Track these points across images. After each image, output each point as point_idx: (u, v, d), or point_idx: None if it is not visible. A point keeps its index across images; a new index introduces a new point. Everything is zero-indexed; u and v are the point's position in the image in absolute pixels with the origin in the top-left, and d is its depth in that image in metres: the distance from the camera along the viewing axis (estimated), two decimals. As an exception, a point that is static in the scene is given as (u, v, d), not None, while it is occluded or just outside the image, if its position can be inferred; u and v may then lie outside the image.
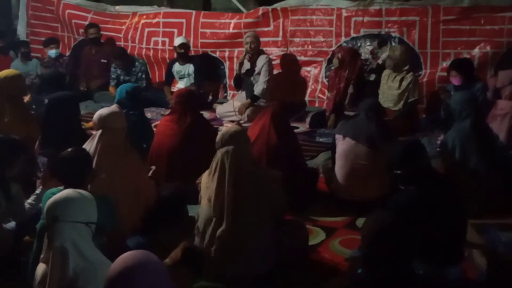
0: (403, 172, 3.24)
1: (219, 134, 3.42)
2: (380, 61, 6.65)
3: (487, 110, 4.85)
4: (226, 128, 3.55)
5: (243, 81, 6.70)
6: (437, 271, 2.97)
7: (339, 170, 4.34)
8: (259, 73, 6.51)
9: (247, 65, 6.62)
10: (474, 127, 4.21)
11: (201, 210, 3.38)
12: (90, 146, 3.60)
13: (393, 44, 6.59)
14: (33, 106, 5.89)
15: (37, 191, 3.64)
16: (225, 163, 3.28)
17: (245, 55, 6.61)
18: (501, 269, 3.18)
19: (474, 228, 3.43)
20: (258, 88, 6.49)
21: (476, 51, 6.27)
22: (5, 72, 4.94)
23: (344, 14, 6.84)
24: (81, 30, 8.21)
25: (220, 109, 6.80)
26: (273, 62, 6.79)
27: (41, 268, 2.48)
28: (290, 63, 7.15)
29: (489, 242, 3.41)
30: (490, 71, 6.12)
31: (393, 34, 6.64)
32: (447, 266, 3.09)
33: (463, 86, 5.51)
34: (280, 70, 7.10)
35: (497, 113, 4.82)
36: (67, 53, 8.53)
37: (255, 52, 6.55)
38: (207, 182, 3.36)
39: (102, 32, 7.94)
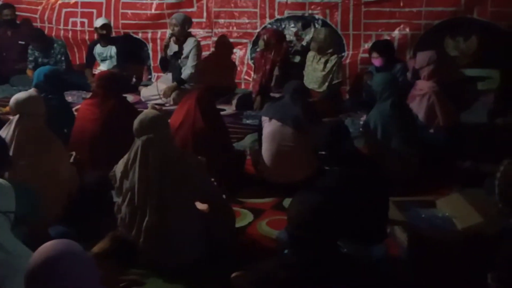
0: (327, 153, 3.30)
1: (136, 120, 3.28)
2: (304, 43, 6.71)
3: (407, 91, 5.00)
4: (143, 113, 3.37)
5: (169, 64, 6.59)
6: (362, 249, 3.05)
7: (266, 152, 4.36)
8: (187, 57, 6.41)
9: (174, 47, 6.51)
10: (395, 107, 4.34)
11: (123, 201, 3.27)
12: (6, 132, 3.45)
13: (317, 26, 6.66)
14: None
15: (-50, 181, 3.46)
16: (149, 152, 3.18)
17: (170, 37, 6.49)
18: (421, 244, 3.29)
19: (395, 205, 3.52)
20: (185, 72, 6.40)
21: (396, 33, 6.42)
22: None
23: (268, -5, 6.84)
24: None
25: (144, 92, 6.66)
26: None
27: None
28: (221, 46, 7.07)
29: (410, 219, 3.51)
30: (409, 52, 6.29)
31: (316, 16, 6.70)
32: (371, 244, 3.19)
33: (384, 68, 5.64)
34: (209, 52, 7.02)
35: (416, 94, 4.96)
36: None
37: (182, 34, 6.45)
38: (123, 171, 3.25)
39: (17, 13, 7.58)
